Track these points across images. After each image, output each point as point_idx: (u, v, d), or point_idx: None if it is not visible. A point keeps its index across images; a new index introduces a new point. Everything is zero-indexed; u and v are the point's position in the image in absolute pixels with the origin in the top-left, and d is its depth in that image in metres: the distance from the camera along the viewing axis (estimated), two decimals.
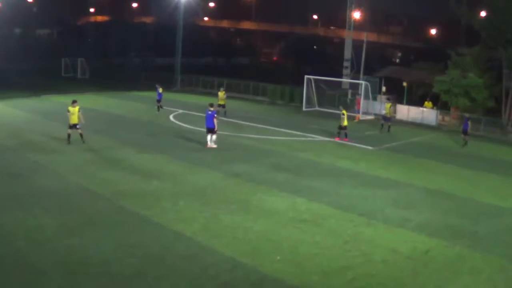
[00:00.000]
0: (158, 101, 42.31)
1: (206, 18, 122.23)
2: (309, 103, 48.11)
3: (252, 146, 30.27)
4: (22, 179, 21.85)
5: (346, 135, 32.98)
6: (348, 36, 53.73)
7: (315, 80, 48.18)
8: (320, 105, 48.15)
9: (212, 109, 29.05)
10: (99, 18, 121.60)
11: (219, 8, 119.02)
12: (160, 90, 42.56)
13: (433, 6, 74.39)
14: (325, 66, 65.70)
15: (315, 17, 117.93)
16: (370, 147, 31.43)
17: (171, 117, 39.86)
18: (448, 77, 41.59)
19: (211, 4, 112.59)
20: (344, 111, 32.99)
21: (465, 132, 33.98)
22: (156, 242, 15.70)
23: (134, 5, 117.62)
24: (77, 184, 21.42)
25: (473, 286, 13.96)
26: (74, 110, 28.85)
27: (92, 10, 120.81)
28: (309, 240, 16.24)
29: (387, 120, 36.83)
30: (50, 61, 79.91)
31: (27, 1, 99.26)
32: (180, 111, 42.89)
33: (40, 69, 75.46)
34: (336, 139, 33.07)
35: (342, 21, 58.53)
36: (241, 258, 14.70)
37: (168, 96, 53.96)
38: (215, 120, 28.57)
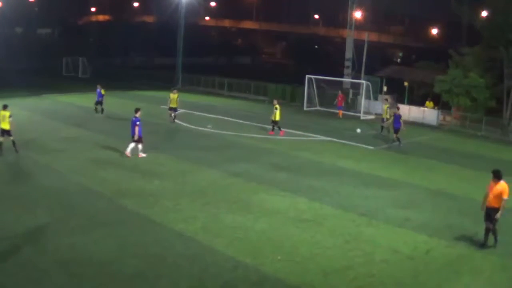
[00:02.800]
0: (98, 102, 39.24)
1: (207, 18, 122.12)
2: (310, 102, 48.10)
3: (253, 146, 30.27)
4: (23, 179, 21.89)
5: (280, 129, 33.72)
6: (349, 35, 53.68)
7: (316, 79, 48.18)
8: (321, 104, 48.14)
9: (137, 115, 25.98)
10: (100, 17, 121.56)
11: (221, 7, 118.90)
12: (102, 91, 39.49)
13: (434, 6, 74.29)
14: (326, 66, 65.65)
15: (316, 16, 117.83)
16: (371, 147, 31.42)
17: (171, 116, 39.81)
18: (449, 77, 41.53)
19: (213, 4, 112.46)
20: (277, 105, 33.50)
21: (396, 130, 32.17)
22: (157, 241, 15.71)
23: (136, 4, 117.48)
24: (78, 183, 21.43)
25: (474, 286, 13.97)
26: (5, 115, 26.03)
27: (93, 9, 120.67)
28: (310, 240, 16.25)
29: (382, 122, 36.64)
30: (51, 61, 79.94)
31: (28, 1, 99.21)
32: (181, 110, 42.82)
33: (41, 68, 75.46)
34: (270, 133, 33.73)
35: (343, 21, 58.47)
36: (242, 257, 14.71)
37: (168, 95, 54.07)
38: (136, 128, 25.63)
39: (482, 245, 16.37)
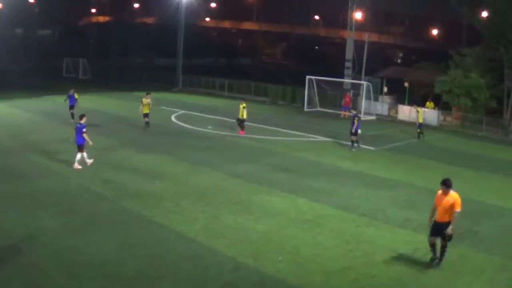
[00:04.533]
0: (71, 107, 36.74)
1: (207, 19, 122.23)
2: (311, 103, 48.12)
3: (254, 147, 30.28)
4: (24, 180, 21.88)
5: (242, 128, 33.75)
6: (350, 36, 53.73)
7: (317, 80, 48.21)
8: (321, 105, 48.17)
9: (81, 121, 24.13)
10: (101, 18, 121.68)
11: (221, 8, 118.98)
12: (76, 95, 37.40)
13: (434, 6, 74.33)
14: (327, 67, 65.70)
15: (316, 17, 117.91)
16: (371, 148, 31.43)
17: (172, 117, 39.88)
18: (450, 77, 41.56)
19: (213, 5, 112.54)
20: (245, 104, 33.66)
21: (354, 133, 30.69)
22: (158, 242, 15.73)
23: (136, 5, 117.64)
24: (79, 184, 21.45)
25: (475, 286, 13.98)
26: None
27: (93, 10, 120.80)
28: (311, 241, 16.26)
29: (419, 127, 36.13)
30: (52, 62, 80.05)
31: (29, 2, 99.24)
32: (182, 111, 42.90)
33: (41, 69, 75.49)
34: (241, 133, 33.68)
35: (343, 22, 58.49)
36: (243, 258, 14.72)
37: (170, 96, 54.20)
38: (85, 136, 23.82)
39: (435, 259, 14.76)
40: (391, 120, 44.45)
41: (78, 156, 23.93)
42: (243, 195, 20.65)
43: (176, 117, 39.92)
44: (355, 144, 30.85)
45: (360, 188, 22.47)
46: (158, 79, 67.21)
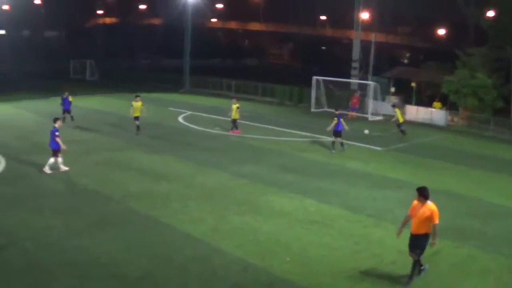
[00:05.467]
0: (66, 110, 36.26)
1: (214, 20, 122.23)
2: (318, 104, 48.07)
3: (261, 147, 30.27)
4: (30, 181, 21.97)
5: (236, 128, 34.03)
6: (356, 36, 53.66)
7: (324, 81, 48.16)
8: (328, 105, 48.11)
9: (55, 125, 23.45)
10: (107, 20, 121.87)
11: (227, 9, 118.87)
12: (70, 98, 36.83)
13: (441, 6, 74.16)
14: (334, 67, 65.59)
15: (323, 17, 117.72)
16: (379, 148, 31.38)
17: (180, 118, 39.93)
18: (457, 77, 41.47)
19: (219, 6, 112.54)
20: (238, 104, 33.87)
21: (337, 133, 29.72)
22: (165, 243, 15.77)
23: (142, 7, 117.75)
24: (86, 185, 21.55)
25: (482, 287, 13.94)
26: None
27: (100, 12, 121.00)
28: (319, 241, 16.26)
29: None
30: (59, 63, 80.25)
31: (35, 4, 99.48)
32: (189, 112, 42.95)
33: (48, 71, 75.73)
34: (236, 132, 33.91)
35: (350, 22, 58.39)
36: (250, 259, 14.73)
37: (177, 97, 54.27)
38: (58, 140, 23.06)
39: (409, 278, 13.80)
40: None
41: (51, 160, 23.28)
42: (250, 196, 20.66)
43: (183, 118, 39.95)
44: (345, 146, 30.19)
45: (368, 189, 22.43)
46: (165, 80, 67.27)
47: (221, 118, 39.10)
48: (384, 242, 16.44)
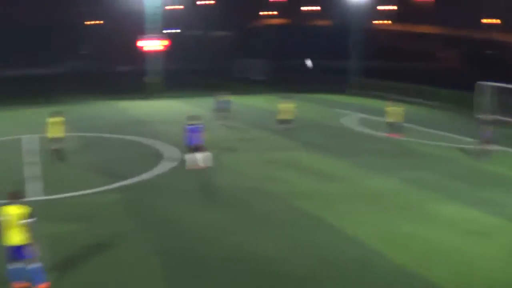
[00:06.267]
0: (222, 109, 36.58)
1: (381, 21, 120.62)
2: (486, 110, 45.58)
3: (429, 153, 29.18)
4: (199, 176, 22.82)
5: (397, 130, 33.01)
6: None
7: (495, 87, 45.54)
8: (499, 113, 45.45)
9: (197, 122, 24.52)
10: (276, 21, 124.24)
11: (395, 11, 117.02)
12: (228, 97, 37.02)
13: None
14: (505, 73, 62.02)
15: (490, 21, 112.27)
16: None
17: (344, 119, 39.69)
18: None
19: (387, 7, 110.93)
20: (396, 107, 33.27)
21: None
22: (328, 244, 15.71)
23: (310, 8, 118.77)
24: (252, 182, 22.12)
25: None
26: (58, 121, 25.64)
27: (267, 13, 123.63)
28: (482, 254, 15.31)
29: None
30: (225, 62, 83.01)
31: (208, 4, 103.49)
32: (354, 114, 42.54)
33: (214, 69, 78.46)
34: (395, 135, 32.89)
35: None
36: (412, 267, 14.23)
37: (341, 98, 54.09)
38: (199, 136, 24.23)
39: None
40: None
41: (199, 155, 24.26)
42: (417, 202, 19.97)
43: (348, 119, 39.65)
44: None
45: None
46: (329, 81, 67.16)
47: (386, 120, 38.29)
48: None
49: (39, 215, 17.08)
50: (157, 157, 26.74)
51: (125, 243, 15.70)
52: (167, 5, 74.27)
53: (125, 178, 22.68)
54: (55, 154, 25.51)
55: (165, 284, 13.25)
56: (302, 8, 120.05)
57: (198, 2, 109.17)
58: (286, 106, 33.40)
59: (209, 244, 15.56)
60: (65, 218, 17.89)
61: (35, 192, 20.65)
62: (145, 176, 23.17)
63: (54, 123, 25.58)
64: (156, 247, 15.34)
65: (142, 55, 58.68)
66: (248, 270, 13.91)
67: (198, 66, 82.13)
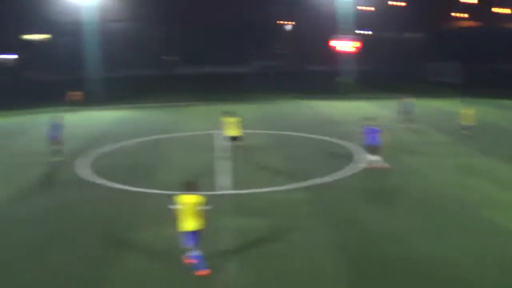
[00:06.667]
0: (405, 112, 37.00)
1: None
2: None
3: None
4: (389, 179, 23.31)
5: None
6: None
7: None
8: None
9: (374, 124, 25.51)
10: (467, 23, 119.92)
11: None
12: (411, 100, 37.14)
13: None
14: None
15: None
16: None
17: None
18: None
19: None
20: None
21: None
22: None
23: (502, 10, 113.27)
24: (440, 187, 21.94)
25: None
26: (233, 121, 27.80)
27: (458, 14, 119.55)
28: None
29: None
30: (415, 65, 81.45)
31: (399, 6, 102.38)
32: None
33: (404, 72, 76.85)
34: None
35: None
36: None
37: None
38: (378, 138, 25.18)
39: None
40: None
41: (372, 157, 25.17)
42: None
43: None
44: None
45: None
46: None
47: None
48: None
49: (227, 208, 18.78)
50: (348, 158, 27.42)
51: (308, 239, 16.31)
52: (359, 5, 74.72)
53: (314, 177, 23.54)
54: (240, 150, 27.48)
55: (348, 280, 13.66)
56: (493, 10, 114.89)
57: (389, 2, 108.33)
58: (467, 111, 32.42)
59: (395, 246, 15.62)
60: (252, 213, 18.90)
61: (225, 186, 22.33)
62: (335, 176, 23.88)
63: (229, 123, 27.81)
64: (340, 245, 15.74)
65: (335, 55, 59.70)
66: (431, 275, 13.81)
67: (390, 68, 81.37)
